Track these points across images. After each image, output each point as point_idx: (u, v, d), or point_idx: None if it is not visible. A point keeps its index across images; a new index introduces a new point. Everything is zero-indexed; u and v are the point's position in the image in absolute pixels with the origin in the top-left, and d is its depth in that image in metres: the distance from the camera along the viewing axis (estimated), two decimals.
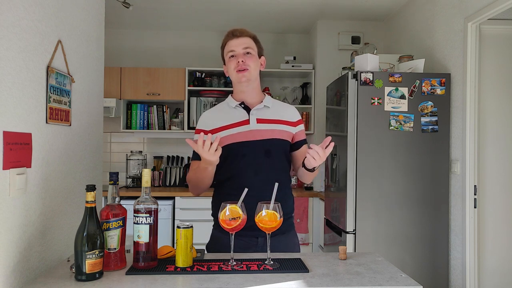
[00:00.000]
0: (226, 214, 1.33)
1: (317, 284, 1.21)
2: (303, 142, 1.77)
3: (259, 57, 1.72)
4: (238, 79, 1.65)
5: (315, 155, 1.46)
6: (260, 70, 1.72)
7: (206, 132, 1.68)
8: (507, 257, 2.75)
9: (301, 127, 1.77)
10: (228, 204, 1.34)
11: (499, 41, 2.75)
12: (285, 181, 1.68)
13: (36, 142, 1.34)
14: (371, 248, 2.77)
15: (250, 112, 1.68)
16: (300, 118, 1.78)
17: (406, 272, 2.72)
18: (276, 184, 1.41)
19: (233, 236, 1.37)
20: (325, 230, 3.46)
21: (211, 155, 1.42)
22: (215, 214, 1.69)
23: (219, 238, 1.66)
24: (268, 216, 1.33)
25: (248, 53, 1.66)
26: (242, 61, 1.63)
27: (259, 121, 1.67)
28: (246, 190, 1.38)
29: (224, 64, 1.74)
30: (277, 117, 1.70)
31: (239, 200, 1.36)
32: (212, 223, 1.73)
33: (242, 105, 1.69)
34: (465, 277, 2.67)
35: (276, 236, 1.54)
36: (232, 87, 1.78)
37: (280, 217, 1.34)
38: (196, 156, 1.70)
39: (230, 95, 1.77)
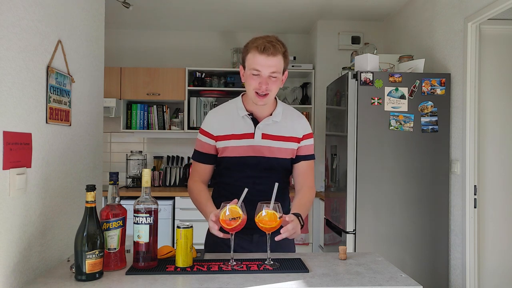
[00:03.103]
0: (226, 214, 1.33)
1: (317, 284, 1.21)
2: (305, 157, 1.68)
3: (283, 73, 1.60)
4: (255, 101, 1.56)
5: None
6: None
7: (212, 137, 1.64)
8: (507, 257, 2.75)
9: (307, 142, 1.68)
10: (228, 204, 1.35)
11: (499, 41, 2.75)
12: (283, 188, 1.65)
13: (36, 142, 1.34)
14: (371, 248, 2.77)
15: (257, 126, 1.62)
16: (308, 132, 1.69)
17: (406, 272, 2.72)
18: (276, 184, 1.41)
19: (233, 237, 1.37)
20: (325, 230, 3.46)
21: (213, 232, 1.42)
22: None
23: (215, 238, 1.64)
24: (268, 216, 1.33)
25: (273, 76, 1.53)
26: (266, 87, 1.52)
27: (264, 136, 1.62)
28: (246, 190, 1.38)
29: (243, 67, 1.60)
30: (284, 132, 1.64)
31: (239, 200, 1.36)
32: None
33: (251, 116, 1.62)
34: (465, 277, 2.67)
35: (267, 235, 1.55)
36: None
37: (280, 217, 1.35)
38: (197, 157, 1.70)
39: (241, 96, 1.68)
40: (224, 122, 1.64)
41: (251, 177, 1.61)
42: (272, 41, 1.52)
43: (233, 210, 1.33)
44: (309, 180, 1.70)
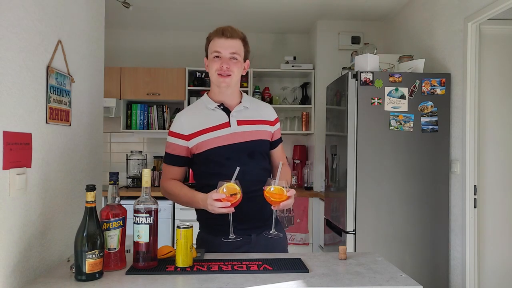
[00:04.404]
0: (224, 191, 1.42)
1: (317, 284, 1.21)
2: (279, 141, 1.79)
3: (244, 60, 1.66)
4: (218, 83, 1.61)
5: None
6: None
7: (183, 137, 1.63)
8: (507, 257, 2.75)
9: (278, 125, 1.78)
10: (225, 182, 1.43)
11: (499, 41, 2.75)
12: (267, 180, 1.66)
13: (36, 142, 1.34)
14: (371, 248, 2.77)
15: (230, 114, 1.63)
16: (276, 116, 1.78)
17: (406, 272, 2.72)
18: (281, 163, 1.52)
19: (231, 215, 1.46)
20: (325, 230, 3.46)
21: (212, 210, 1.46)
22: (200, 218, 1.68)
23: (206, 241, 1.64)
24: (277, 190, 1.46)
25: (234, 58, 1.60)
26: (227, 67, 1.58)
27: (240, 122, 1.63)
28: (238, 168, 1.44)
29: (206, 57, 1.66)
30: (257, 117, 1.69)
31: (232, 179, 1.43)
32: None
33: (222, 107, 1.64)
34: (465, 277, 2.67)
35: (263, 235, 1.58)
36: None
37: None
38: (168, 159, 1.67)
39: (206, 93, 1.70)
40: (194, 119, 1.65)
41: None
42: (231, 26, 1.63)
43: (230, 187, 1.42)
44: (284, 159, 1.81)
